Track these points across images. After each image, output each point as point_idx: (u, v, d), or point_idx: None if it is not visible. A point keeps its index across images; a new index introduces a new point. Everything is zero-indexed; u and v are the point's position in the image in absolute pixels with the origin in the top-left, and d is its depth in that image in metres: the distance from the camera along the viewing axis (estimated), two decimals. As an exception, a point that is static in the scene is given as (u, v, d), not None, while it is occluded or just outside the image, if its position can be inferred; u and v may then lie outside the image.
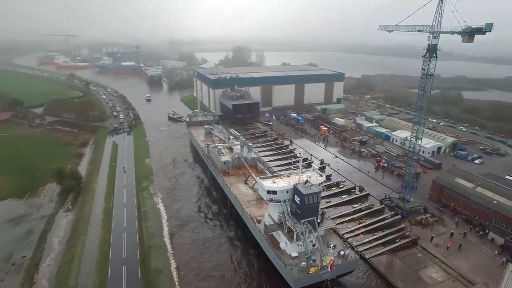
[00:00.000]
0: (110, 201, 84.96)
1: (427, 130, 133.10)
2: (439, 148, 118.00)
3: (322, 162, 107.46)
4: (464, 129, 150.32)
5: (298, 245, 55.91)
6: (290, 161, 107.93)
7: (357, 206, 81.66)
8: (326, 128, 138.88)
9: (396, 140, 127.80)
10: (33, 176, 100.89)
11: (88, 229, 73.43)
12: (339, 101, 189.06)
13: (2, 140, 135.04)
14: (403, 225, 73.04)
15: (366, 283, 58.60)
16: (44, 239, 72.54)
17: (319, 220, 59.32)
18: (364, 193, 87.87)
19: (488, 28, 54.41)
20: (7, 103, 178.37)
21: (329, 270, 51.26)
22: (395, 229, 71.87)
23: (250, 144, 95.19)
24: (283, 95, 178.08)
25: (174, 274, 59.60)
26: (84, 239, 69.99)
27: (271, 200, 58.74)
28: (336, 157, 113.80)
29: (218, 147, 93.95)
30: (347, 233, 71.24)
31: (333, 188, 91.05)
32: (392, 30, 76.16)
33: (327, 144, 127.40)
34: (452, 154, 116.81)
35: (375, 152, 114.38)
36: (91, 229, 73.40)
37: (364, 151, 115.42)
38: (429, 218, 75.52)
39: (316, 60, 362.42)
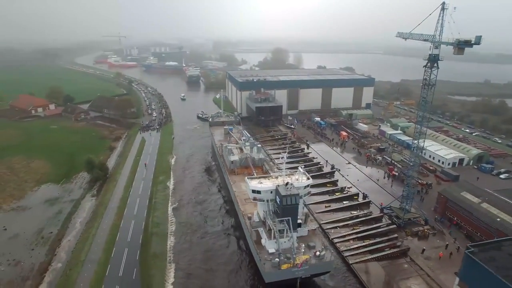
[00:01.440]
0: (128, 191, 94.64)
1: (452, 140, 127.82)
2: (461, 160, 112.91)
3: (333, 167, 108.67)
4: (500, 141, 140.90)
5: (275, 242, 59.44)
6: (302, 164, 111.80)
7: (355, 213, 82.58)
8: (346, 134, 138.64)
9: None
10: (70, 165, 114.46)
11: (104, 213, 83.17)
12: (368, 106, 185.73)
13: (53, 131, 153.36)
14: (396, 235, 72.96)
15: (343, 286, 60.44)
16: (70, 219, 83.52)
17: (300, 221, 62.36)
18: (366, 200, 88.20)
19: (477, 40, 53.48)
20: (61, 98, 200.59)
21: (298, 268, 54.24)
22: (386, 238, 72.10)
23: (259, 145, 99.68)
24: (310, 99, 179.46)
25: (168, 260, 66.26)
26: (100, 222, 79.63)
27: (255, 199, 62.96)
28: (349, 163, 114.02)
29: (229, 147, 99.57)
30: (337, 238, 73.02)
31: (336, 194, 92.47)
32: (407, 38, 76.09)
33: (343, 149, 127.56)
34: (476, 167, 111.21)
35: (390, 160, 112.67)
36: (107, 214, 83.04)
37: (378, 159, 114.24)
38: (426, 230, 74.49)
39: (355, 62, 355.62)
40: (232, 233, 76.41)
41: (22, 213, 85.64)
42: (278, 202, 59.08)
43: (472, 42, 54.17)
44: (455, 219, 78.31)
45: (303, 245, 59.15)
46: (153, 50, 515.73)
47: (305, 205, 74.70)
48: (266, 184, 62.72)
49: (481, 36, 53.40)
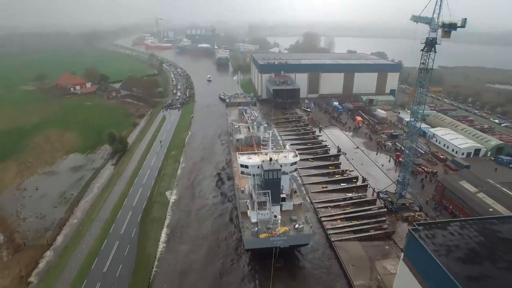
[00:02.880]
0: (141, 163, 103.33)
1: (473, 130, 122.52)
2: (477, 150, 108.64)
3: (339, 150, 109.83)
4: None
5: (258, 213, 63.63)
6: (309, 146, 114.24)
7: (350, 195, 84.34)
8: (360, 119, 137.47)
9: (431, 137, 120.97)
10: (97, 138, 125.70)
11: (118, 181, 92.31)
12: (392, 93, 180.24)
13: (86, 108, 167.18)
14: (384, 218, 74.20)
15: (319, 259, 63.90)
16: (89, 184, 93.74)
17: (284, 195, 66.11)
18: (363, 184, 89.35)
19: (463, 23, 52.23)
20: (97, 78, 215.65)
21: (274, 237, 58.41)
22: (374, 220, 73.63)
23: (265, 124, 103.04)
24: (331, 83, 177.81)
25: (165, 224, 73.47)
26: (113, 188, 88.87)
27: (242, 173, 67.40)
28: (357, 147, 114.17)
29: (236, 126, 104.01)
30: (325, 216, 75.83)
31: (336, 176, 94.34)
32: (416, 21, 74.73)
33: (355, 134, 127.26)
34: (493, 158, 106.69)
35: (399, 147, 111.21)
36: (120, 182, 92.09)
37: (388, 145, 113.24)
38: (417, 216, 74.78)
39: (393, 48, 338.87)
40: (228, 205, 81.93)
41: (51, 177, 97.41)
42: (262, 176, 63.16)
43: (458, 25, 52.93)
44: (451, 207, 77.58)
45: (283, 218, 62.90)
46: (189, 32, 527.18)
47: (304, 184, 77.54)
48: (253, 160, 66.74)
49: (466, 19, 52.01)
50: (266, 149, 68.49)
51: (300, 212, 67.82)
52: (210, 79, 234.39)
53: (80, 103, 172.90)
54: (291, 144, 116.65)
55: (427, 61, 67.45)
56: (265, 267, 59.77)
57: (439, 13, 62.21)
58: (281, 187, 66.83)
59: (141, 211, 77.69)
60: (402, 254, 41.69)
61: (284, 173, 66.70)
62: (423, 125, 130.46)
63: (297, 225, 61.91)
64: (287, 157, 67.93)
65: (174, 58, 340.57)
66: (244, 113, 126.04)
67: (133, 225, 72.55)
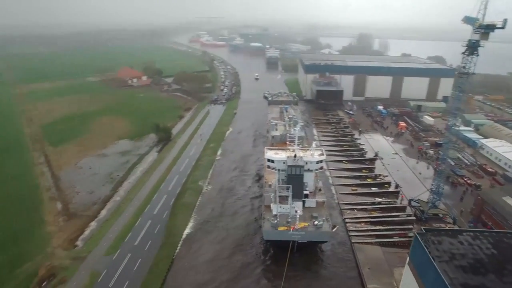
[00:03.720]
0: (181, 152, 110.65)
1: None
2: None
3: (376, 154, 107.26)
4: None
5: (280, 206, 65.66)
6: (345, 148, 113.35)
7: (379, 199, 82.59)
8: (404, 125, 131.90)
9: (480, 148, 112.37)
10: (145, 127, 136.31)
11: (157, 168, 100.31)
12: (445, 99, 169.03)
13: (139, 99, 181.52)
14: (411, 226, 71.76)
15: (336, 258, 64.16)
16: (134, 168, 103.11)
17: (307, 192, 67.39)
18: (395, 190, 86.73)
19: (503, 25, 48.87)
20: (152, 72, 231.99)
21: (291, 231, 60.14)
22: (399, 227, 71.60)
23: (301, 123, 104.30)
24: (378, 87, 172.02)
25: (194, 210, 78.69)
26: (153, 173, 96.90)
27: (268, 167, 69.99)
28: (396, 153, 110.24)
29: (272, 123, 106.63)
30: (350, 218, 75.43)
31: (368, 179, 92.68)
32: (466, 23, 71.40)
33: (396, 140, 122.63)
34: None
35: (442, 156, 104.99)
36: (160, 168, 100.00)
37: (429, 153, 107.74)
38: (448, 228, 71.15)
39: (454, 52, 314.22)
40: (255, 198, 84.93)
41: (102, 159, 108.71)
42: (286, 171, 65.33)
43: (497, 26, 49.71)
44: (490, 224, 72.43)
45: (305, 214, 64.19)
46: (243, 32, 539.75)
47: (333, 184, 77.22)
48: (280, 155, 68.98)
49: (506, 20, 48.61)
50: (293, 146, 70.38)
51: (323, 210, 68.52)
52: (258, 77, 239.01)
53: (134, 95, 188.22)
54: (327, 146, 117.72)
55: (468, 65, 63.88)
56: (283, 259, 61.77)
57: (484, 14, 58.89)
58: (305, 184, 68.36)
59: (174, 196, 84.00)
60: (407, 258, 41.06)
61: (309, 170, 68.05)
62: (473, 135, 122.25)
63: (316, 222, 62.88)
64: (313, 155, 69.14)
65: (227, 56, 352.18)
66: (285, 111, 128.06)
67: (166, 207, 78.91)
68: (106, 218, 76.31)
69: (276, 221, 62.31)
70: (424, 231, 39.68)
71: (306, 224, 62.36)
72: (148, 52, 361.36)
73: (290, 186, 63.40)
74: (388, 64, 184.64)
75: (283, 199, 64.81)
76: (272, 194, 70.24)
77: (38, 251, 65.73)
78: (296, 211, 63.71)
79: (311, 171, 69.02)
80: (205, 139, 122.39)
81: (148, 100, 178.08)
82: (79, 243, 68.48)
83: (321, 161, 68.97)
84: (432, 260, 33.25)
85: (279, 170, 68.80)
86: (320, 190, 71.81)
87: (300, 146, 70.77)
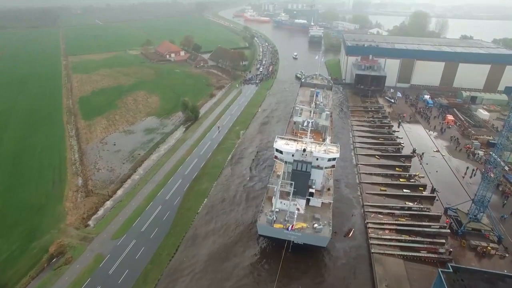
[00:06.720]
0: (205, 133, 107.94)
1: None
2: None
3: (414, 151, 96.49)
4: None
5: (281, 202, 60.26)
6: (380, 141, 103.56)
7: (411, 204, 73.86)
8: (452, 118, 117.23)
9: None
10: (175, 104, 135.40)
11: (179, 148, 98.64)
12: (508, 90, 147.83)
13: (175, 74, 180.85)
14: (443, 241, 62.97)
15: (351, 268, 58.27)
16: (157, 146, 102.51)
17: (313, 190, 61.35)
18: (431, 195, 77.02)
19: None
20: (191, 46, 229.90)
21: (288, 230, 55.23)
22: (430, 240, 63.14)
23: (328, 112, 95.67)
24: (427, 73, 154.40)
25: (207, 198, 75.97)
26: (173, 154, 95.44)
27: (275, 158, 64.54)
28: (437, 151, 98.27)
29: (297, 108, 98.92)
30: (373, 223, 68.22)
31: (401, 179, 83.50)
32: None
33: (440, 135, 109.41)
34: None
35: (494, 159, 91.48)
36: (182, 148, 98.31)
37: (478, 153, 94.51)
38: (490, 248, 61.41)
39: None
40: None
41: (128, 135, 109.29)
42: (291, 165, 59.82)
43: None
44: (544, 246, 61.46)
45: (307, 213, 58.78)
46: (289, 7, 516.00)
47: (360, 182, 70.90)
48: (289, 147, 62.94)
49: None
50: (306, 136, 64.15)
51: (327, 212, 62.17)
52: (297, 57, 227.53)
53: (171, 70, 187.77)
54: (359, 137, 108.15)
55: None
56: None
57: None
58: (312, 181, 62.72)
59: (189, 181, 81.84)
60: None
61: (319, 167, 61.75)
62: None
63: (316, 225, 57.19)
64: (326, 151, 62.42)
65: (270, 33, 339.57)
66: (315, 96, 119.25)
67: (179, 193, 76.94)
68: (121, 199, 76.22)
69: (273, 217, 57.54)
70: (451, 270, 32.44)
71: (304, 225, 57.42)
72: (193, 26, 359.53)
73: (293, 182, 57.93)
74: (441, 48, 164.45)
75: (285, 195, 59.66)
76: (276, 187, 65.10)
77: (55, 226, 67.32)
78: (297, 209, 58.50)
79: (321, 168, 62.52)
80: (232, 121, 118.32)
81: (183, 76, 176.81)
82: (91, 222, 69.02)
83: (334, 159, 62.00)
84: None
85: (286, 162, 63.10)
86: (329, 189, 65.22)
87: (312, 138, 64.13)
